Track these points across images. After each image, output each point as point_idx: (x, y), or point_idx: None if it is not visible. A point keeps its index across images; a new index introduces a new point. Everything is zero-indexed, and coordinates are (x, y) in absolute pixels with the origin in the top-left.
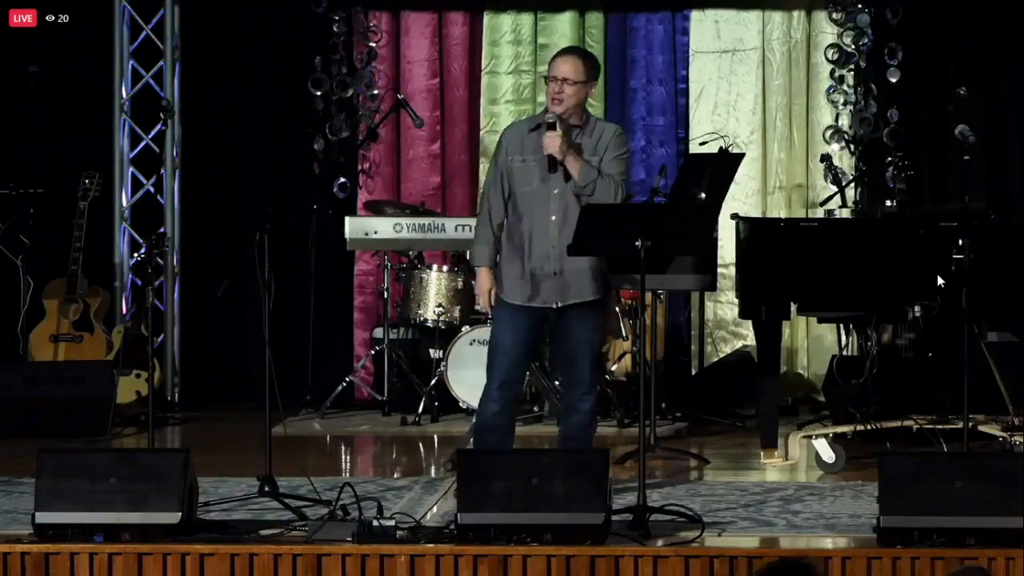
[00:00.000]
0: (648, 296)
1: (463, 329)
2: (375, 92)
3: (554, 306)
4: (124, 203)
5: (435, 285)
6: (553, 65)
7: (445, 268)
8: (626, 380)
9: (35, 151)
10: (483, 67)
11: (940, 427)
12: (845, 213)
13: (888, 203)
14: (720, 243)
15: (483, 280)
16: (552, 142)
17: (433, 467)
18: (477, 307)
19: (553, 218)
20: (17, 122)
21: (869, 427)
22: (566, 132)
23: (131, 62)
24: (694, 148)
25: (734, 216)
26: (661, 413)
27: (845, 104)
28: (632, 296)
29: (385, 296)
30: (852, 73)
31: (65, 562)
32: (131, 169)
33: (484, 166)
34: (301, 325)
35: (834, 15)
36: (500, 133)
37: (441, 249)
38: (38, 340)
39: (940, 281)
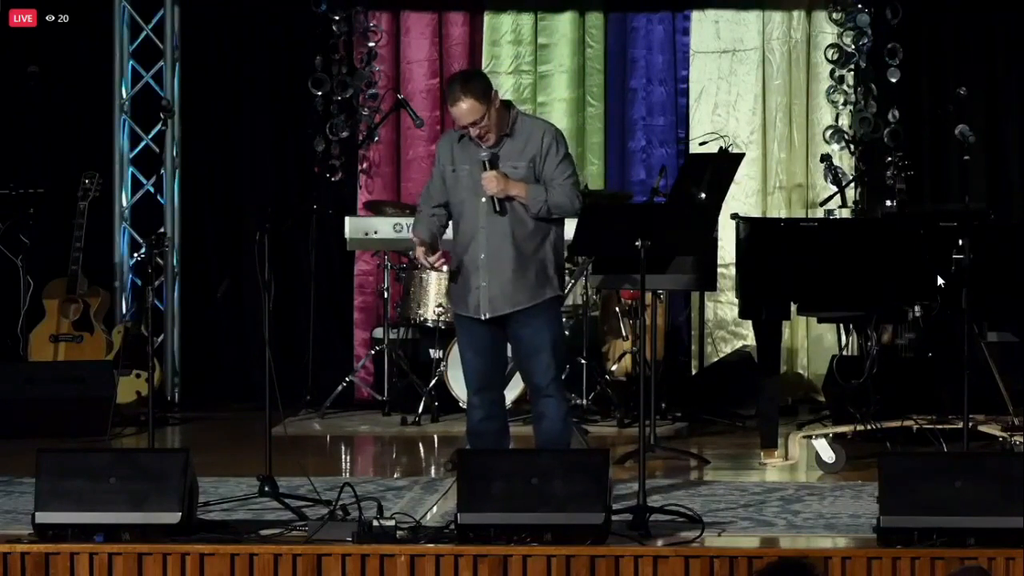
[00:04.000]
0: (648, 296)
1: None
2: (375, 92)
3: (482, 317)
4: (124, 203)
5: (435, 285)
6: (453, 115)
7: (445, 268)
8: (626, 380)
9: (35, 151)
10: (483, 67)
11: (940, 427)
12: (845, 213)
13: (888, 203)
14: (720, 243)
15: (417, 249)
16: (489, 184)
17: (433, 467)
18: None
19: (481, 227)
20: (17, 122)
21: (869, 427)
22: (497, 164)
23: (131, 62)
24: (694, 148)
25: (734, 216)
26: (661, 413)
27: (845, 104)
28: (632, 296)
29: (385, 296)
30: (852, 73)
31: (65, 562)
32: (131, 169)
33: None
34: (301, 325)
35: (834, 15)
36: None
37: (441, 249)
38: (38, 340)
39: (940, 281)
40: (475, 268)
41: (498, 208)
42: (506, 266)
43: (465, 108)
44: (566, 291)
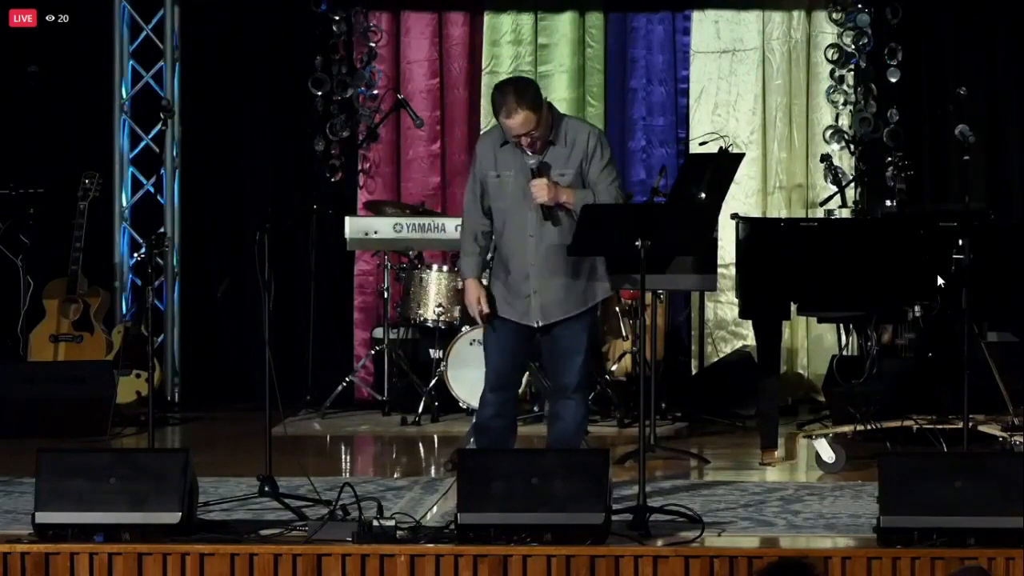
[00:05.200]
0: (648, 296)
1: (463, 329)
2: (375, 92)
3: (535, 325)
4: (124, 203)
5: (435, 285)
6: (507, 126)
7: (445, 268)
8: (626, 380)
9: (35, 151)
10: (483, 67)
11: (940, 427)
12: (845, 213)
13: (888, 203)
14: (720, 243)
15: (469, 292)
16: (540, 191)
17: (433, 467)
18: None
19: (530, 235)
20: (17, 122)
21: (869, 427)
22: (545, 171)
23: (131, 62)
24: (694, 148)
25: (734, 216)
26: (661, 413)
27: (845, 104)
28: (632, 296)
29: (385, 296)
30: (852, 73)
31: (65, 562)
32: (131, 169)
33: None
34: (301, 325)
35: (834, 15)
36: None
37: (441, 249)
38: (38, 340)
39: (940, 281)
40: (524, 276)
41: (548, 216)
42: (558, 273)
43: (520, 119)
44: None
